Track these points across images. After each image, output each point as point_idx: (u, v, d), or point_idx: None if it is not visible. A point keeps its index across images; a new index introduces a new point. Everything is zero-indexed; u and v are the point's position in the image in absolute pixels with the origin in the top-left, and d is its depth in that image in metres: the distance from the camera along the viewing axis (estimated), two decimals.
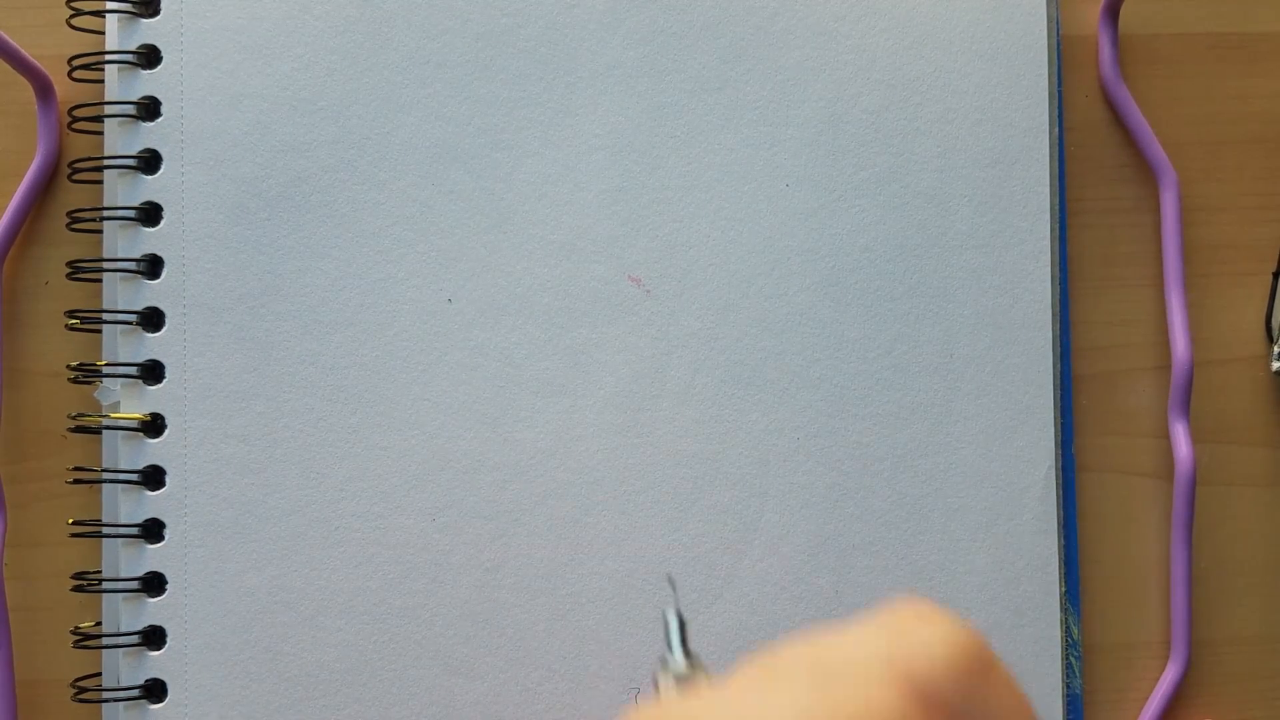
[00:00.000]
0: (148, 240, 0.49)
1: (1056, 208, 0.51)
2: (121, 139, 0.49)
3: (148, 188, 0.49)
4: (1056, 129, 0.51)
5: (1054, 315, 0.51)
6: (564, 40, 0.50)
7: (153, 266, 0.49)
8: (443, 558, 0.49)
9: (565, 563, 0.49)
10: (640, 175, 0.49)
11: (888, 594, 0.46)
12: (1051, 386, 0.50)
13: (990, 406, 0.50)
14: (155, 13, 0.49)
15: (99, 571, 0.49)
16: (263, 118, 0.49)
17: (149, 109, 0.49)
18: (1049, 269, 0.50)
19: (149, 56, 0.49)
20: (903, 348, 0.50)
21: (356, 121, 0.49)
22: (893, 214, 0.50)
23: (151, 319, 0.49)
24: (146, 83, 0.49)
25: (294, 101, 0.49)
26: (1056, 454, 0.50)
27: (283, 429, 0.49)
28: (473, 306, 0.49)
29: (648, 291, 0.48)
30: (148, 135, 0.49)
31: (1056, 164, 0.51)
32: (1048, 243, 0.51)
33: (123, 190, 0.49)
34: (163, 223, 0.49)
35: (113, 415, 0.49)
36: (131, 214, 0.49)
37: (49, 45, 0.50)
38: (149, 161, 0.49)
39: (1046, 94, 0.51)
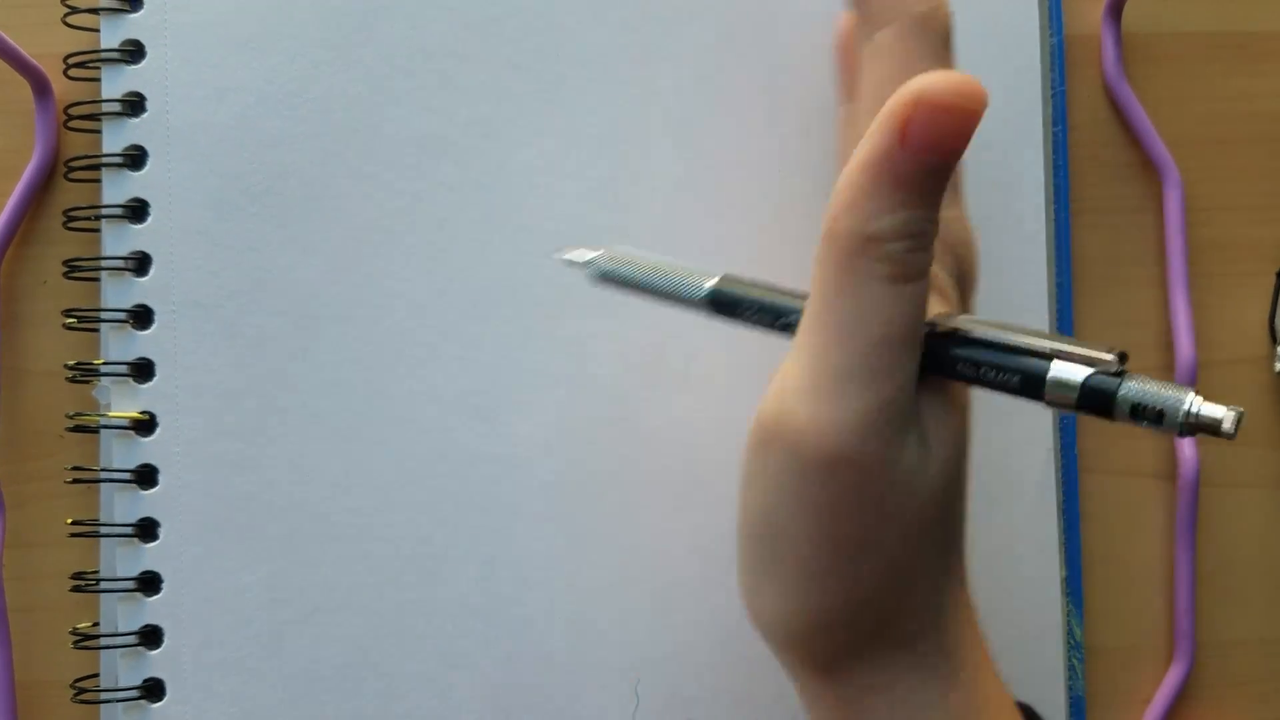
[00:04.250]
0: (136, 237, 0.49)
1: (1053, 205, 0.51)
2: (108, 135, 0.49)
3: (135, 184, 0.49)
4: (1052, 126, 0.51)
5: (1050, 311, 0.50)
6: (553, 29, 0.50)
7: (141, 264, 0.49)
8: (440, 551, 0.49)
9: (563, 555, 0.49)
10: (632, 164, 0.49)
11: None
12: None
13: (986, 394, 0.49)
14: (138, 7, 0.49)
15: (97, 571, 0.49)
16: (248, 111, 0.49)
17: (134, 104, 0.49)
18: (1045, 264, 0.50)
19: (133, 51, 0.49)
20: None
21: (343, 114, 0.49)
22: None
23: (141, 316, 0.49)
24: (131, 78, 0.49)
25: (280, 95, 0.49)
26: (1055, 442, 0.50)
27: (275, 425, 0.49)
28: (465, 299, 0.49)
29: None
30: (133, 131, 0.49)
31: (1052, 161, 0.51)
32: (1043, 238, 0.50)
33: (111, 187, 0.49)
34: (150, 219, 0.49)
35: (107, 414, 0.49)
36: (119, 211, 0.49)
37: (46, 44, 0.50)
38: (135, 157, 0.49)
39: (1039, 84, 0.51)
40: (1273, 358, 0.53)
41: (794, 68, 0.50)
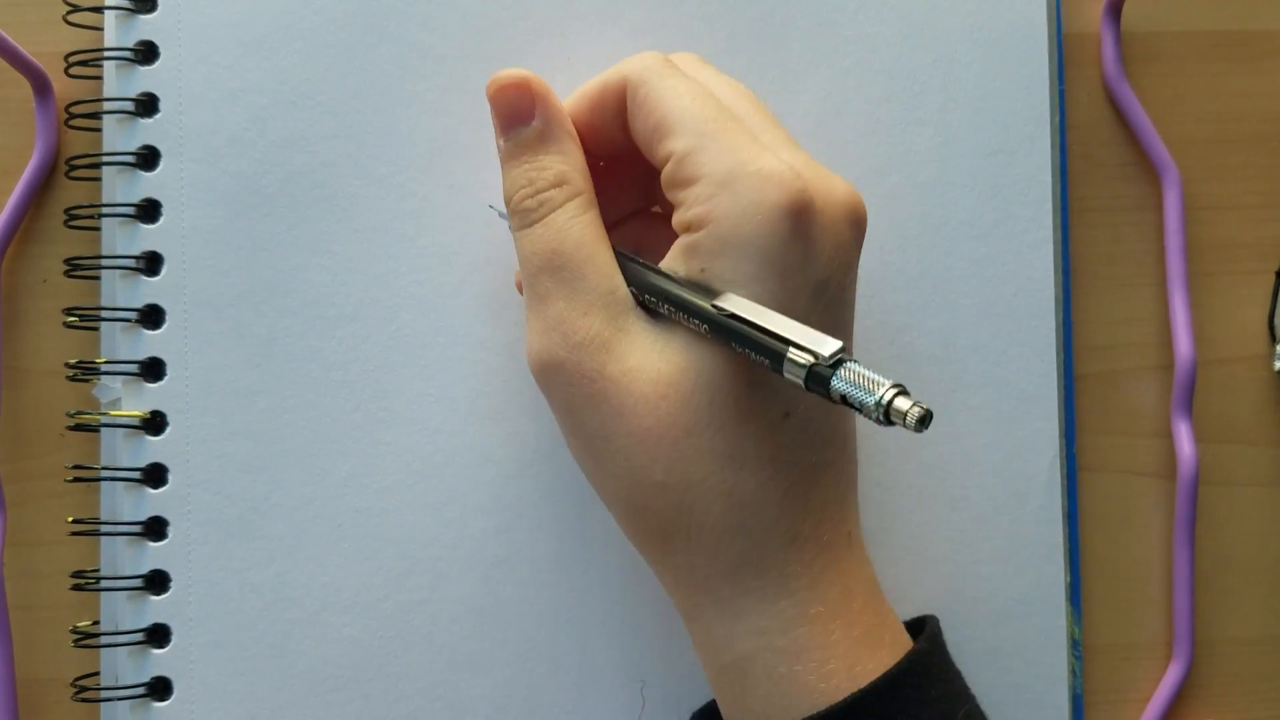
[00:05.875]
0: (147, 237, 0.49)
1: (1059, 204, 0.51)
2: (119, 135, 0.49)
3: (146, 184, 0.49)
4: (1058, 118, 0.51)
5: (1057, 307, 0.51)
6: (563, 33, 0.50)
7: (151, 263, 0.49)
8: (447, 552, 0.49)
9: (570, 557, 0.49)
10: None
11: (892, 585, 0.46)
12: (1055, 375, 0.50)
13: (994, 397, 0.50)
14: (152, 8, 0.49)
15: (97, 570, 0.49)
16: (261, 113, 0.49)
17: (146, 105, 0.49)
18: (1051, 258, 0.50)
19: (146, 52, 0.49)
20: (905, 338, 0.50)
21: (356, 116, 0.49)
22: (894, 204, 0.50)
23: (151, 316, 0.49)
24: (144, 79, 0.49)
25: (293, 96, 0.49)
26: (1061, 443, 0.50)
27: (285, 425, 0.49)
28: (474, 300, 0.49)
29: None
30: (146, 131, 0.49)
31: (1058, 156, 0.51)
32: (1050, 231, 0.50)
33: (121, 187, 0.49)
34: (162, 219, 0.49)
35: (113, 413, 0.48)
36: (130, 211, 0.49)
37: (46, 42, 0.50)
38: (147, 158, 0.49)
39: (1047, 82, 0.51)
40: (1271, 356, 0.53)
41: (801, 72, 0.50)
